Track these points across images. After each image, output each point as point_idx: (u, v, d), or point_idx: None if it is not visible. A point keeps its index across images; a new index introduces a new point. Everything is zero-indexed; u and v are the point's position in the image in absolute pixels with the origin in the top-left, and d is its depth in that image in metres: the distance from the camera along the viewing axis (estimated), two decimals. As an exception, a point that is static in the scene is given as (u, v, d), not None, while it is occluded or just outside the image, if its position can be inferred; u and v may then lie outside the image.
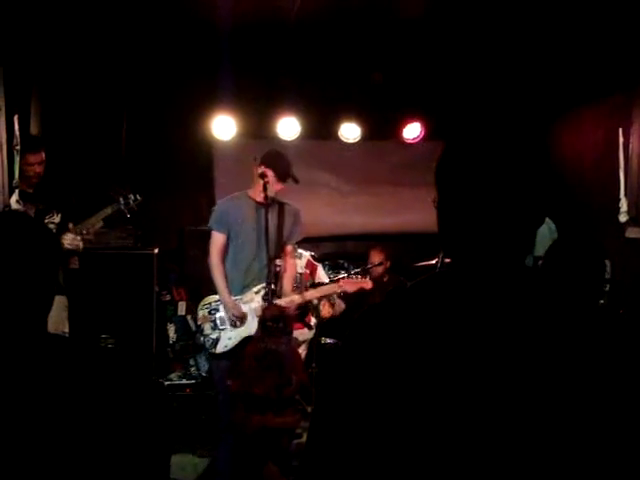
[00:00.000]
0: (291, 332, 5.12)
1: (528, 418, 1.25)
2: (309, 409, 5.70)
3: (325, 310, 6.54)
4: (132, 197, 5.57)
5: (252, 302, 5.27)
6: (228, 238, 5.28)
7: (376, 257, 7.17)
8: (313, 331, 6.34)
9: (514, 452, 1.25)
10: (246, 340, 5.23)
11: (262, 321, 4.95)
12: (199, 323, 5.36)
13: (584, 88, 6.91)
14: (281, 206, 5.37)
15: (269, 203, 5.27)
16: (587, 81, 6.80)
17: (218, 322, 5.28)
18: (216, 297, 5.33)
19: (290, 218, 5.38)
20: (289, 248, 5.39)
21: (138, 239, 6.79)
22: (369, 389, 1.31)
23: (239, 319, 5.22)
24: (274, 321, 4.88)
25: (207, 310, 5.32)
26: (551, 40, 6.44)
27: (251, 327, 5.23)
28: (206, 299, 5.40)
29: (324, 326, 6.70)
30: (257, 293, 5.29)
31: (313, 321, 6.34)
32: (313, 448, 1.38)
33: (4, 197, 5.26)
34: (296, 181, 5.34)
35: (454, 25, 6.37)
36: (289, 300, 5.41)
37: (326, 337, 6.73)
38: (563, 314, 1.33)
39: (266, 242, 5.22)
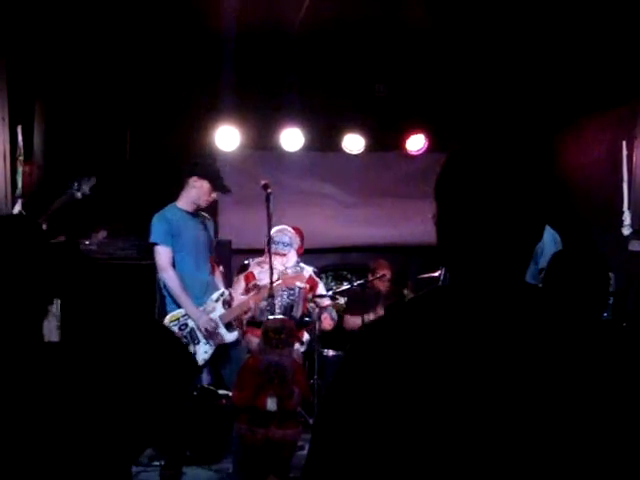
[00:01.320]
0: (293, 344, 5.10)
1: (528, 431, 1.24)
2: (311, 421, 5.69)
3: (326, 323, 6.53)
4: (86, 180, 5.30)
5: (215, 311, 5.28)
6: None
7: (382, 270, 7.17)
8: (305, 346, 6.31)
9: (515, 464, 1.24)
10: (220, 348, 5.23)
11: (264, 333, 4.94)
12: None
13: (588, 101, 6.91)
14: (202, 215, 5.43)
15: (196, 213, 5.34)
16: (591, 94, 6.79)
17: (191, 336, 5.21)
18: (181, 312, 5.23)
19: (210, 225, 5.48)
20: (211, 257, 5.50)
21: (141, 250, 6.78)
22: (369, 402, 1.31)
23: (214, 329, 5.19)
24: (276, 332, 4.87)
25: (177, 326, 5.20)
26: (555, 53, 6.45)
27: (223, 335, 5.23)
28: (173, 315, 5.25)
29: (325, 338, 6.69)
30: (217, 301, 5.30)
31: (305, 337, 6.32)
32: (315, 460, 1.37)
33: (7, 207, 5.26)
34: (228, 191, 5.39)
35: (458, 37, 6.38)
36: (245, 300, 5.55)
37: (328, 349, 6.72)
38: (564, 328, 1.32)
39: (204, 251, 5.32)
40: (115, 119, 7.34)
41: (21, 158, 5.30)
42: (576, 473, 1.23)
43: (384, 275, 7.12)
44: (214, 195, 5.30)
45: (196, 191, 5.27)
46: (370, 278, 7.12)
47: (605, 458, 1.24)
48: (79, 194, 5.33)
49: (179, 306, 5.23)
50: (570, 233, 5.74)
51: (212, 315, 5.24)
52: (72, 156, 6.83)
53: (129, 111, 7.37)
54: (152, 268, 6.64)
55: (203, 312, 5.21)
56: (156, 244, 5.22)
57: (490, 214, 1.34)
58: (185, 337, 5.17)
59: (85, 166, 6.95)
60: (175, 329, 5.15)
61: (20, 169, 5.29)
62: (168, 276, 5.17)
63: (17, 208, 5.20)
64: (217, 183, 5.25)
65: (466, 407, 1.26)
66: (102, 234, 5.90)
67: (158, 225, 5.22)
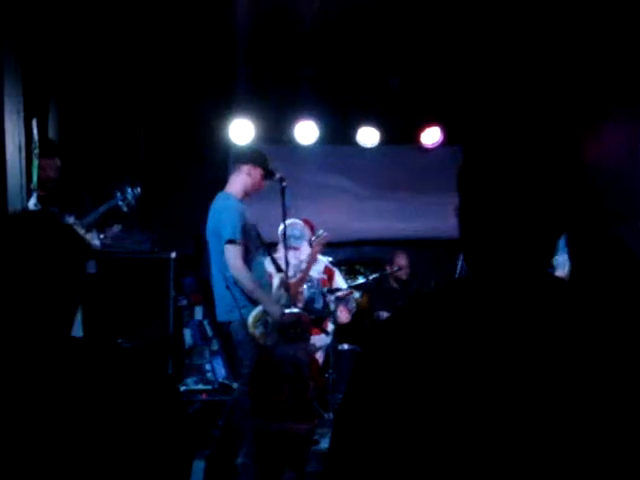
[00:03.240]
0: (309, 338, 5.09)
1: (550, 422, 1.23)
2: (326, 415, 5.69)
3: (343, 316, 6.52)
4: (130, 191, 5.32)
5: (282, 299, 5.20)
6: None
7: (402, 261, 7.16)
8: (330, 337, 6.31)
9: (531, 458, 1.23)
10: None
11: (280, 327, 4.92)
12: (261, 342, 4.92)
13: (606, 96, 6.85)
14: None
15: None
16: (610, 89, 6.74)
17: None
18: (259, 309, 4.95)
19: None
20: None
21: (155, 243, 6.79)
22: (391, 394, 1.30)
23: None
24: (292, 326, 4.86)
25: (262, 327, 4.94)
26: (575, 47, 6.39)
27: None
28: (255, 316, 4.92)
29: (341, 332, 6.68)
30: (279, 288, 5.26)
31: (330, 327, 6.31)
32: (337, 453, 1.37)
33: (22, 200, 5.26)
34: (278, 178, 5.25)
35: (475, 29, 6.34)
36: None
37: (343, 343, 6.71)
38: (586, 322, 1.31)
39: (261, 242, 5.15)
40: (129, 112, 7.35)
41: (36, 151, 5.30)
42: (601, 463, 1.22)
43: (401, 268, 7.11)
44: (264, 184, 5.18)
45: (251, 180, 5.11)
46: (387, 271, 7.12)
47: (629, 453, 1.22)
48: (124, 206, 5.27)
49: (253, 303, 4.96)
50: (584, 229, 5.70)
51: (282, 302, 5.10)
52: (86, 149, 6.86)
53: (144, 104, 7.38)
54: (166, 261, 6.66)
55: (276, 304, 5.01)
56: (234, 241, 4.89)
57: (513, 205, 1.33)
58: (270, 335, 4.97)
59: (99, 159, 7.00)
60: (261, 330, 4.94)
61: (36, 162, 5.29)
62: (243, 275, 4.88)
63: (32, 201, 5.20)
64: (269, 170, 5.14)
65: (488, 402, 1.25)
66: (117, 228, 5.90)
67: (236, 221, 4.92)
